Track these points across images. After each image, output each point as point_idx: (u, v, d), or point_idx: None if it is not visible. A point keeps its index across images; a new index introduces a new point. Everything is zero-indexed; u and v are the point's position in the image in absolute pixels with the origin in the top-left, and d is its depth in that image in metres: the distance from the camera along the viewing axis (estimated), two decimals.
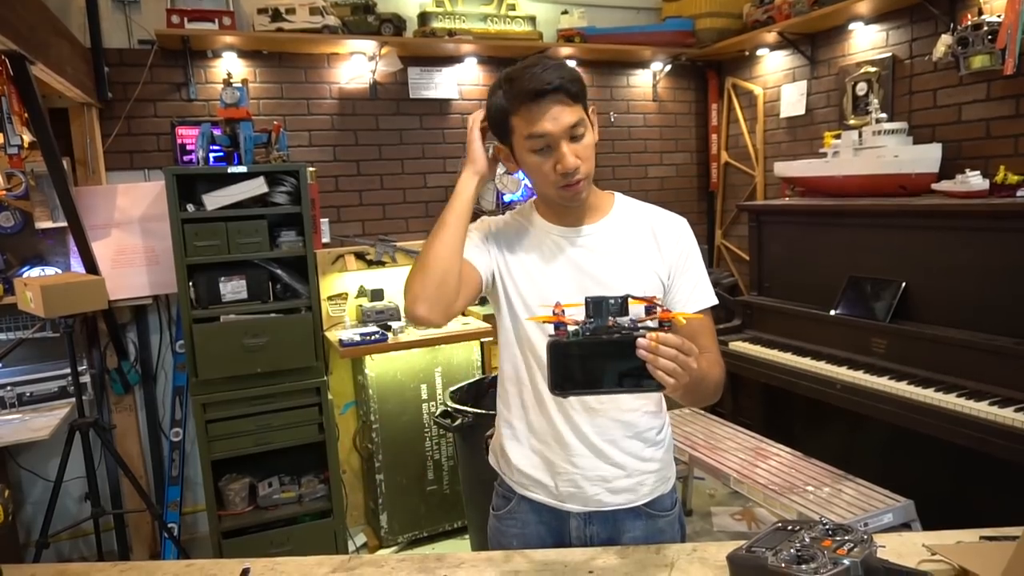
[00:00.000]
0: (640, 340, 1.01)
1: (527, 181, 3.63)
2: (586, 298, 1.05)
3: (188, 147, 3.11)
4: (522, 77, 1.22)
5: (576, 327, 1.04)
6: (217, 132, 2.78)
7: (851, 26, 3.32)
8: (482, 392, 2.96)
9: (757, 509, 3.25)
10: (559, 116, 1.21)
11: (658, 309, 1.06)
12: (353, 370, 3.33)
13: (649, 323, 1.05)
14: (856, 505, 2.31)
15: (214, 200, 2.69)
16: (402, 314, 3.34)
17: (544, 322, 1.07)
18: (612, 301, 1.05)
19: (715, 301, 1.38)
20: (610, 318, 1.04)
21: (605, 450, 1.33)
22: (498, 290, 1.38)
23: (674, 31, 3.86)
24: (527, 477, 1.38)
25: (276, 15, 3.06)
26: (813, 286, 3.15)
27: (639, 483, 1.36)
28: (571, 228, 1.36)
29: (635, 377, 1.02)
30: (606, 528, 1.37)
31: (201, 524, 3.21)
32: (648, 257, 1.34)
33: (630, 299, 1.06)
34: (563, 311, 1.07)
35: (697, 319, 1.33)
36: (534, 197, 1.44)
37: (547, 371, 1.05)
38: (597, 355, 1.03)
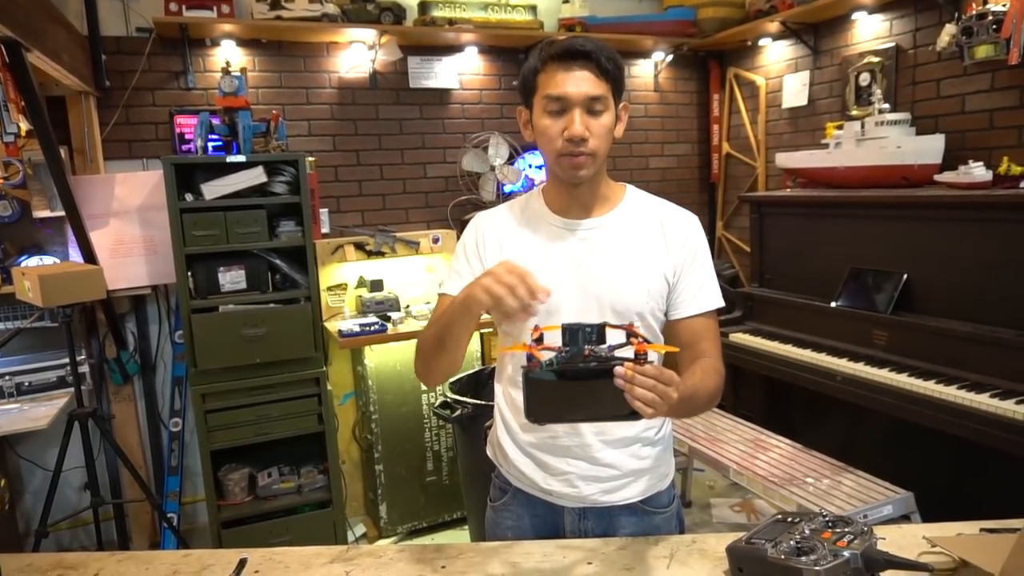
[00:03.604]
0: (617, 369, 0.99)
1: (528, 171, 3.65)
2: (563, 325, 1.04)
3: (186, 136, 3.10)
4: (561, 41, 1.23)
5: (551, 356, 1.02)
6: (216, 121, 2.77)
7: (854, 16, 3.30)
8: (481, 383, 2.96)
9: (756, 501, 3.26)
10: (581, 83, 1.20)
11: (636, 338, 1.04)
12: (352, 361, 3.33)
13: (626, 353, 1.03)
14: (856, 497, 2.31)
15: (213, 190, 2.68)
16: (401, 305, 3.34)
17: (521, 351, 1.05)
18: (588, 329, 1.03)
19: (721, 303, 1.35)
20: (586, 347, 1.02)
21: (602, 451, 1.31)
22: None
23: (676, 20, 3.83)
24: (522, 473, 1.37)
25: (275, 3, 3.04)
26: (814, 278, 3.14)
27: (634, 482, 1.35)
28: (576, 220, 1.32)
29: (612, 406, 1.01)
30: (601, 523, 1.36)
31: (201, 514, 3.22)
32: (654, 254, 1.31)
33: (607, 327, 1.05)
34: (541, 335, 1.05)
35: (700, 322, 1.32)
36: (541, 184, 1.41)
37: (523, 400, 1.03)
38: (573, 384, 1.02)
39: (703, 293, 1.33)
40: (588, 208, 1.32)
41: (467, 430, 2.67)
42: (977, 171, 2.57)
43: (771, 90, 3.88)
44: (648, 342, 1.05)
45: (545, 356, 1.03)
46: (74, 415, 2.53)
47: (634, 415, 1.01)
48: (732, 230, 4.25)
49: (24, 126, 2.20)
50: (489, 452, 1.49)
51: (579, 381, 1.01)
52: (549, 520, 1.38)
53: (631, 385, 0.98)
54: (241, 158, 2.71)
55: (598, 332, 1.03)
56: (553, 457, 1.33)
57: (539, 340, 1.05)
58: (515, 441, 1.38)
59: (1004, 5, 2.48)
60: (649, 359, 1.02)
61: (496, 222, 1.37)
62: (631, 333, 1.05)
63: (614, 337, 1.05)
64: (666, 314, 1.34)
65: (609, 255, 1.30)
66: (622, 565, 1.21)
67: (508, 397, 1.39)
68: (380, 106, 3.50)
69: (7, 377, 2.71)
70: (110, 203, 2.95)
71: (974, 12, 2.60)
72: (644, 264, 1.30)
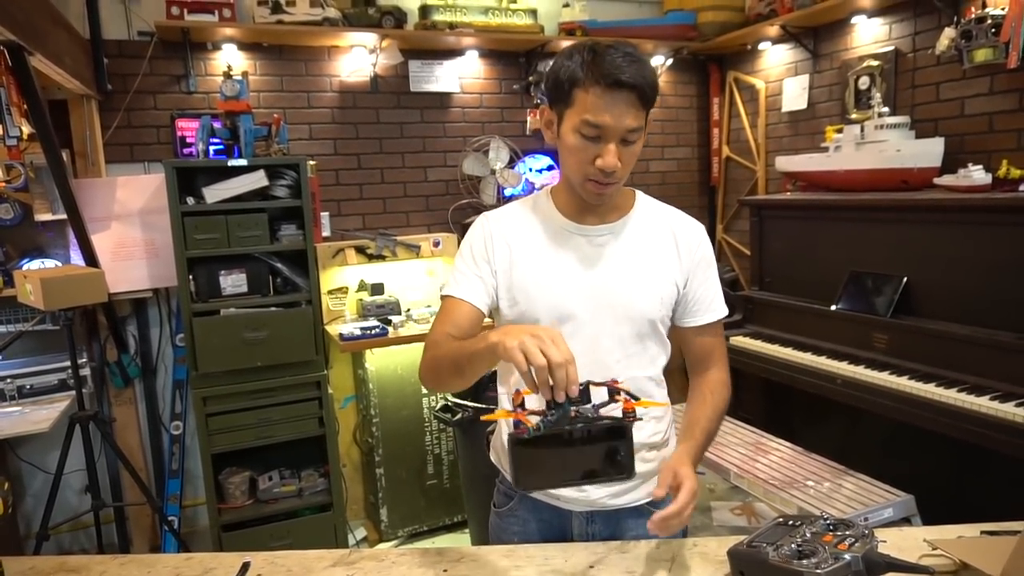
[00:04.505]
0: (649, 525, 1.04)
1: (528, 175, 3.65)
2: None
3: (188, 140, 3.10)
4: (606, 58, 1.14)
5: (537, 420, 0.99)
6: (217, 125, 2.78)
7: (854, 19, 3.31)
8: (482, 386, 2.95)
9: (757, 504, 3.25)
10: (623, 115, 1.16)
11: (620, 394, 1.03)
12: (353, 364, 3.33)
13: (612, 408, 1.01)
14: (856, 500, 2.31)
15: (214, 193, 2.68)
16: (402, 308, 3.34)
17: (505, 418, 1.03)
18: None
19: (726, 311, 1.38)
20: (572, 408, 0.99)
21: None
22: (502, 299, 1.32)
23: (676, 24, 3.84)
24: None
25: (276, 7, 3.04)
26: (814, 281, 3.15)
27: (642, 484, 1.35)
28: (592, 226, 1.31)
29: (602, 466, 1.00)
30: (608, 527, 1.36)
31: (201, 517, 3.21)
32: (667, 262, 1.32)
33: (591, 385, 1.03)
34: (523, 400, 1.03)
35: (711, 330, 1.36)
36: (548, 185, 1.40)
37: (510, 468, 1.01)
38: (561, 448, 1.00)
39: (715, 302, 1.36)
40: (602, 215, 1.32)
41: (468, 433, 2.67)
42: (976, 174, 2.57)
43: (771, 94, 3.88)
44: (635, 397, 1.03)
45: (531, 420, 1.00)
46: (75, 418, 2.53)
47: (623, 476, 1.01)
48: (732, 233, 4.26)
49: (26, 129, 2.20)
50: (493, 458, 1.48)
51: (567, 444, 0.99)
52: (556, 524, 1.38)
53: (666, 529, 1.09)
54: (242, 162, 2.71)
55: (583, 392, 1.00)
56: None
57: (521, 405, 1.02)
58: None
59: (1003, 9, 2.49)
60: (639, 416, 1.01)
61: (505, 223, 1.34)
62: (613, 390, 1.03)
63: (598, 395, 1.04)
64: (674, 320, 1.36)
65: (623, 261, 1.30)
66: (624, 568, 1.21)
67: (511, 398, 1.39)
68: (381, 110, 3.51)
69: (8, 380, 2.72)
70: (111, 206, 2.95)
71: (973, 16, 2.61)
72: (657, 271, 1.31)
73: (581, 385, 1.00)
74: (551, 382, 0.97)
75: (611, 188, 1.23)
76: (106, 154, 3.03)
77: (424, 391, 3.22)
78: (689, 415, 1.35)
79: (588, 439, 0.98)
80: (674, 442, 1.43)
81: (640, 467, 1.33)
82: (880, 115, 2.97)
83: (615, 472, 1.00)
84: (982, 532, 1.24)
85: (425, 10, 3.39)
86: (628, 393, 1.02)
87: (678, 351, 1.42)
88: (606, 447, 0.99)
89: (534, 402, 1.02)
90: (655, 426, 1.36)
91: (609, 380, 1.05)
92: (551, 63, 1.25)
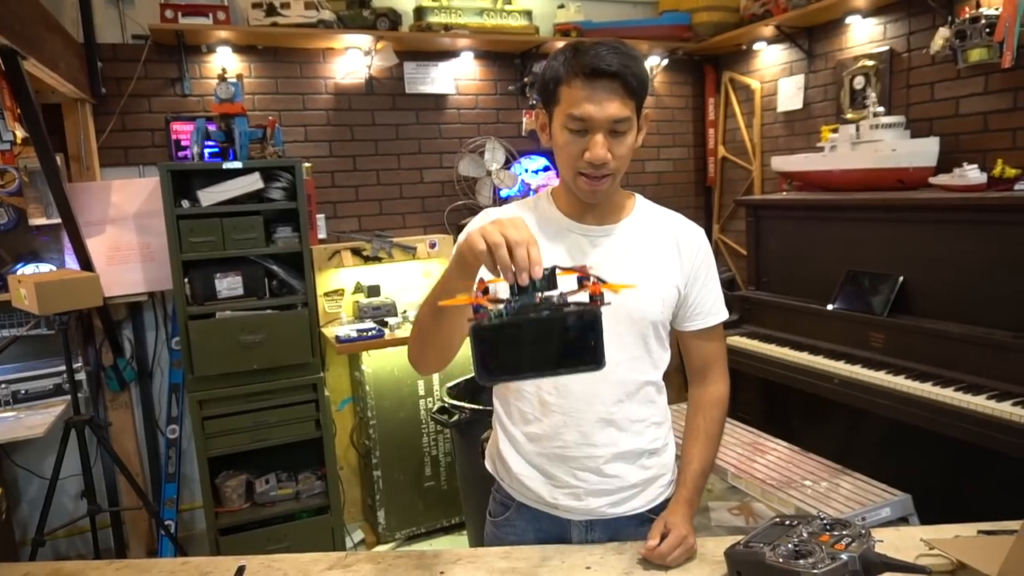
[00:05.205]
0: (645, 553, 1.16)
1: (524, 176, 3.65)
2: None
3: (183, 143, 3.10)
4: (587, 52, 1.15)
5: (500, 307, 0.92)
6: (212, 128, 2.77)
7: (848, 19, 3.31)
8: (479, 388, 2.95)
9: (755, 504, 3.25)
10: (606, 104, 1.14)
11: (589, 280, 0.96)
12: (350, 366, 3.32)
13: (581, 297, 0.95)
14: (854, 499, 2.31)
15: (209, 196, 2.68)
16: (399, 310, 3.34)
17: (463, 304, 0.96)
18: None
19: (727, 315, 1.37)
20: (537, 294, 0.93)
21: (610, 464, 1.31)
22: None
23: (671, 25, 3.85)
24: (526, 487, 1.35)
25: (271, 9, 3.04)
26: (811, 280, 3.15)
27: (641, 492, 1.35)
28: (591, 226, 1.30)
29: (569, 356, 0.93)
30: (608, 535, 1.35)
31: (198, 521, 3.21)
32: (668, 264, 1.31)
33: (558, 270, 0.97)
34: (487, 288, 0.96)
35: (713, 333, 1.36)
36: (548, 187, 1.38)
37: (473, 359, 0.93)
38: (526, 336, 0.93)
39: (716, 306, 1.35)
40: (602, 215, 1.30)
41: (465, 435, 2.67)
42: (972, 173, 2.58)
43: (766, 94, 3.89)
44: (603, 281, 0.96)
45: (494, 309, 0.92)
46: (71, 423, 2.52)
47: (592, 365, 0.94)
48: (729, 233, 4.26)
49: (20, 134, 2.20)
50: (489, 466, 1.46)
51: (532, 331, 0.92)
52: (554, 534, 1.36)
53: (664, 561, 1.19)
54: (237, 164, 2.71)
55: (549, 277, 0.94)
56: (561, 470, 1.31)
57: (484, 292, 0.96)
58: (520, 453, 1.35)
59: (997, 9, 2.50)
60: (606, 300, 0.95)
61: None
62: (583, 277, 0.96)
63: (566, 284, 0.97)
64: (674, 324, 1.36)
65: (625, 262, 1.29)
66: (621, 570, 1.21)
67: (509, 408, 1.37)
68: (376, 112, 3.50)
69: (3, 385, 2.71)
70: (106, 210, 2.95)
71: (967, 16, 2.61)
72: (658, 273, 1.30)
73: (547, 269, 0.95)
74: (512, 265, 0.93)
75: (604, 183, 1.21)
76: (100, 158, 3.02)
77: (421, 392, 3.22)
78: (685, 451, 1.36)
79: (555, 327, 0.92)
80: (673, 447, 1.43)
81: (639, 474, 1.34)
82: (875, 115, 2.98)
83: (585, 362, 0.94)
84: (979, 531, 1.24)
85: (420, 12, 3.38)
86: (597, 278, 0.96)
87: (676, 351, 1.42)
88: (575, 335, 0.92)
89: (503, 292, 0.96)
90: (654, 432, 1.35)
91: (579, 267, 0.98)
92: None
